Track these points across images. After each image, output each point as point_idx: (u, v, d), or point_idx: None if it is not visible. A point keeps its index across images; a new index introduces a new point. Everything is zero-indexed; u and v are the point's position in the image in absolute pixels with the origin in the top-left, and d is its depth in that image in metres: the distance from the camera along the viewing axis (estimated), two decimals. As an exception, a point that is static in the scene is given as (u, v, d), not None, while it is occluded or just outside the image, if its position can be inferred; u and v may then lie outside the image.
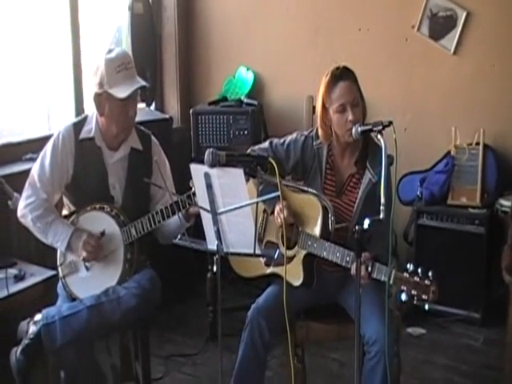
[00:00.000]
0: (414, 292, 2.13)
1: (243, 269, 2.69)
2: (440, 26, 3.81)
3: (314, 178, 2.59)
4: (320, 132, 2.57)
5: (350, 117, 2.43)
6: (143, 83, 2.53)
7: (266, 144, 2.67)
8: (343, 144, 2.55)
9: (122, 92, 2.45)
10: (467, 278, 3.61)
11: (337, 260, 2.40)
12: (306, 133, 2.64)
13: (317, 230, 2.47)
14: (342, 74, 2.48)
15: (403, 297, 2.14)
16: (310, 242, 2.47)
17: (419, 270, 2.15)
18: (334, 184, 2.59)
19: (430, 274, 2.14)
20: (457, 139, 3.74)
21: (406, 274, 2.17)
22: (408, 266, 2.17)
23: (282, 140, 2.66)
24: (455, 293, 3.61)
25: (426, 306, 2.12)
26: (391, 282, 2.20)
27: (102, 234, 2.53)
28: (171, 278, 3.62)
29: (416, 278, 2.14)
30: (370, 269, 2.23)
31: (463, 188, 3.70)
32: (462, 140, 3.74)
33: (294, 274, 2.50)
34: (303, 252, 2.50)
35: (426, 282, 2.12)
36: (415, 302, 2.15)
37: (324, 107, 2.51)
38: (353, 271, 2.30)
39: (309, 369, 2.68)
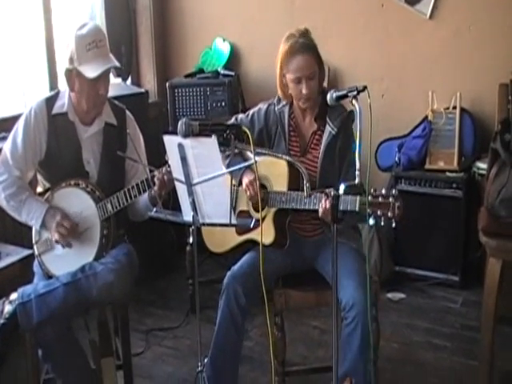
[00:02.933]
0: (379, 212, 2.08)
1: (216, 245, 2.72)
2: (415, -9, 3.79)
3: (279, 143, 2.63)
4: (279, 92, 2.62)
5: (304, 90, 2.50)
6: (115, 63, 2.49)
7: (231, 120, 2.70)
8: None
9: (91, 72, 2.41)
10: (446, 241, 3.65)
11: (305, 206, 2.42)
12: (269, 101, 2.68)
13: (284, 185, 2.51)
14: (301, 47, 2.49)
15: (370, 221, 2.11)
16: (278, 198, 2.51)
17: (383, 191, 2.12)
18: (299, 144, 2.63)
19: (393, 191, 2.11)
20: (434, 104, 3.75)
21: (370, 198, 2.13)
22: (372, 190, 2.14)
23: (246, 113, 2.71)
24: (434, 256, 3.67)
25: (394, 224, 2.10)
26: (357, 209, 2.19)
27: (75, 223, 2.51)
28: (151, 252, 3.64)
29: (380, 199, 2.10)
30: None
31: (441, 152, 3.72)
32: (439, 104, 3.74)
33: (266, 233, 2.51)
34: (273, 210, 2.53)
35: (390, 199, 2.09)
36: (383, 223, 2.11)
37: (282, 71, 2.56)
38: (320, 212, 2.32)
39: (290, 337, 2.70)
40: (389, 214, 2.08)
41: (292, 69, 2.51)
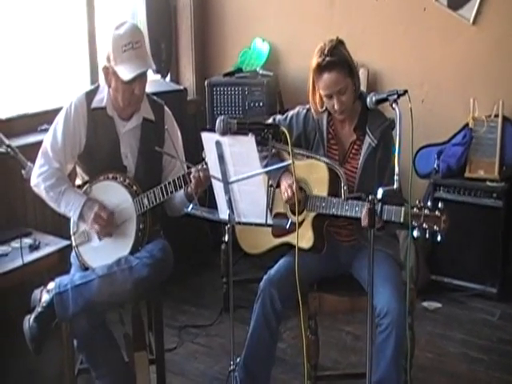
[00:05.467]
0: (425, 225, 2.09)
1: (252, 246, 2.69)
2: (459, -5, 3.72)
3: (317, 149, 2.59)
4: (311, 104, 2.59)
5: (336, 106, 2.48)
6: (150, 66, 2.50)
7: (269, 120, 2.67)
8: None
9: (126, 74, 2.42)
10: (484, 252, 3.57)
11: (346, 213, 2.39)
12: (307, 106, 2.64)
13: (324, 190, 2.47)
14: (327, 65, 2.44)
15: (415, 233, 2.11)
16: (318, 203, 2.47)
17: (428, 204, 2.12)
18: (337, 153, 2.60)
19: (439, 205, 2.10)
20: (475, 111, 3.68)
21: (415, 210, 2.13)
22: (417, 202, 2.14)
23: (284, 115, 2.68)
24: (472, 267, 3.60)
25: (439, 238, 2.10)
26: (401, 220, 2.17)
27: (112, 213, 2.52)
28: (187, 249, 3.64)
29: (426, 211, 2.10)
30: (378, 211, 2.13)
31: (481, 161, 3.64)
32: (480, 112, 3.67)
33: (305, 238, 2.49)
34: (312, 214, 2.50)
35: (436, 213, 2.09)
36: (427, 236, 2.10)
37: (314, 85, 2.54)
38: (363, 221, 2.27)
39: (323, 341, 2.67)
40: (435, 228, 2.06)
41: (321, 86, 2.48)
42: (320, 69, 2.46)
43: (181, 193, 2.52)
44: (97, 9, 3.67)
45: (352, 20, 3.97)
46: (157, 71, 4.02)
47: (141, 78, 2.48)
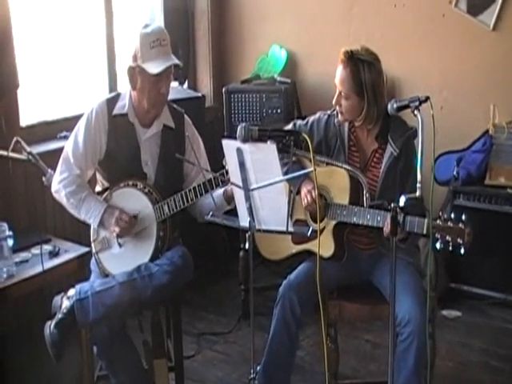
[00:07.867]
0: (448, 238, 2.08)
1: (272, 252, 2.68)
2: (479, 1, 3.67)
3: (338, 156, 2.57)
4: None
5: (333, 101, 2.49)
6: (177, 62, 2.51)
7: (289, 126, 2.67)
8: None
9: (154, 68, 2.44)
10: (505, 259, 3.53)
11: (368, 222, 2.37)
12: (328, 112, 2.63)
13: (345, 198, 2.45)
14: (346, 61, 2.44)
15: (438, 245, 2.10)
16: (339, 211, 2.46)
17: (452, 216, 2.11)
18: (359, 160, 2.58)
19: (463, 218, 2.09)
20: (495, 117, 3.64)
21: (439, 222, 2.11)
22: (440, 214, 2.12)
23: (305, 121, 2.67)
24: (492, 275, 3.55)
25: (462, 250, 2.08)
26: (424, 231, 2.15)
27: (135, 217, 2.53)
28: (204, 257, 3.64)
29: (450, 224, 2.09)
30: (401, 222, 2.12)
31: (502, 168, 3.60)
32: (500, 118, 3.63)
33: (325, 246, 2.48)
34: (333, 222, 2.49)
35: (460, 225, 2.08)
36: (450, 249, 2.09)
37: None
38: (385, 232, 2.26)
39: (342, 349, 2.66)
40: (458, 241, 2.05)
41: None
42: (340, 60, 2.46)
43: (219, 196, 2.50)
44: (115, 16, 3.70)
45: (370, 26, 3.96)
46: (175, 78, 4.03)
47: (167, 76, 2.50)
